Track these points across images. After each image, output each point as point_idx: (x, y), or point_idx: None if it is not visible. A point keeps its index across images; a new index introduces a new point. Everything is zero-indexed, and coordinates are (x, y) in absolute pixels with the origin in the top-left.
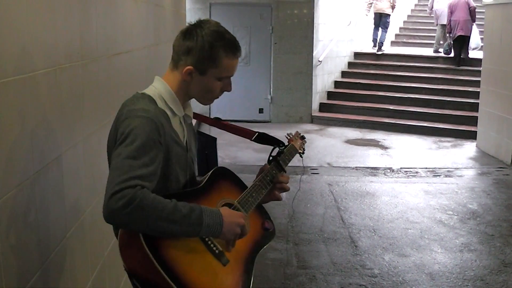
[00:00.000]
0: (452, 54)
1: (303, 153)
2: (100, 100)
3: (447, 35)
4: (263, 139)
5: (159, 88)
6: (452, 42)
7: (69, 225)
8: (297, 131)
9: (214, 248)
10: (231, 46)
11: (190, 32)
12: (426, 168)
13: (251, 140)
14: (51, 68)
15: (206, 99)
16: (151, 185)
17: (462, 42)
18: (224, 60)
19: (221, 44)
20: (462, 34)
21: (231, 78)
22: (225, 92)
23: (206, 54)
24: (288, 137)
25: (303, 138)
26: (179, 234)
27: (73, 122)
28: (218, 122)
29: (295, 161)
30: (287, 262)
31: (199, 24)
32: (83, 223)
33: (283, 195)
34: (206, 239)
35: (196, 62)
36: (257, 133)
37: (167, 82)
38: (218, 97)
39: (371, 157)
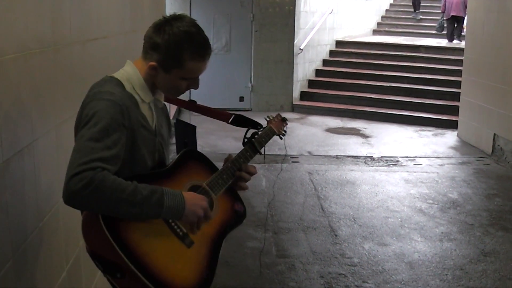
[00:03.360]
0: (444, 32)
1: (283, 135)
2: (74, 87)
3: (442, 14)
4: (240, 121)
5: (129, 72)
6: (445, 20)
7: (43, 213)
8: (278, 113)
9: (178, 230)
10: (199, 49)
11: (160, 27)
12: (407, 157)
13: (228, 123)
14: (21, 53)
15: (171, 94)
16: (113, 168)
17: (455, 22)
18: (190, 63)
19: (188, 46)
20: (455, 14)
21: (207, 70)
22: (205, 80)
23: (171, 54)
24: (268, 119)
25: (284, 120)
26: (140, 216)
27: (46, 109)
28: (193, 105)
29: (276, 149)
30: (266, 251)
31: (171, 20)
32: (57, 212)
33: (263, 183)
34: (170, 221)
35: (161, 60)
36: (233, 116)
37: (137, 68)
38: (184, 93)
39: (351, 145)
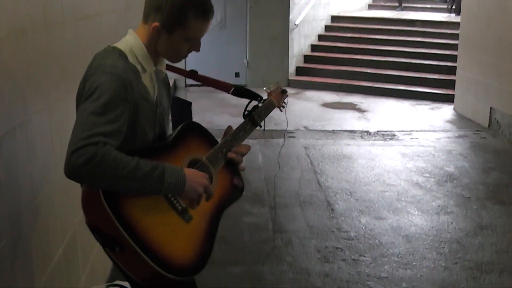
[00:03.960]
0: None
1: (283, 107)
2: (68, 65)
3: None
4: (241, 92)
5: (131, 42)
6: None
7: (37, 191)
8: (278, 85)
9: (177, 205)
10: (203, 8)
11: None
12: (403, 131)
13: (229, 93)
14: (13, 32)
15: (173, 58)
16: (114, 143)
17: None
18: (193, 23)
19: (192, 5)
20: None
21: (204, 37)
22: (201, 56)
23: (175, 14)
24: (268, 91)
25: (284, 92)
26: (141, 192)
27: (40, 88)
28: (194, 75)
29: (273, 125)
30: (263, 226)
31: None
32: (53, 189)
33: (259, 159)
34: (169, 196)
35: (164, 21)
36: (234, 87)
37: (139, 36)
38: (186, 57)
39: (348, 120)
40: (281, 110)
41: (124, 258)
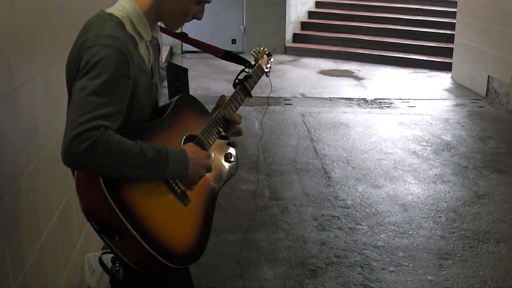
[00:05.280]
0: None
1: (269, 72)
2: (62, 28)
3: None
4: (230, 57)
5: (128, 8)
6: None
7: (32, 157)
8: (263, 47)
9: (176, 188)
10: None
11: None
12: (401, 99)
13: (217, 56)
14: None
15: (176, 23)
16: (116, 125)
17: None
18: None
19: None
20: None
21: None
22: (197, 23)
23: None
24: (255, 55)
25: (269, 55)
26: (143, 178)
27: (31, 53)
28: (184, 37)
29: (269, 91)
30: (259, 193)
31: None
32: (47, 156)
33: (255, 126)
34: (169, 179)
35: None
36: (223, 51)
37: (135, 1)
38: (188, 21)
39: (345, 88)
40: (267, 75)
41: (123, 246)
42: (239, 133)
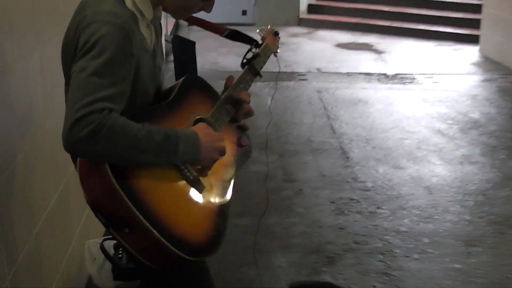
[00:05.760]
0: None
1: (277, 52)
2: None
3: None
4: (235, 36)
5: None
6: None
7: (24, 142)
8: (270, 26)
9: (189, 174)
10: None
11: None
12: (424, 74)
13: (222, 36)
14: None
15: (179, 15)
16: (120, 107)
17: None
18: None
19: None
20: None
21: None
22: None
23: None
24: (261, 34)
25: (276, 34)
26: (151, 163)
27: (24, 28)
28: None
29: (283, 66)
30: (272, 175)
31: None
32: (41, 140)
33: (267, 103)
34: (179, 164)
35: None
36: (228, 30)
37: None
38: (194, 12)
39: (364, 62)
40: (275, 55)
41: (133, 239)
42: (249, 113)
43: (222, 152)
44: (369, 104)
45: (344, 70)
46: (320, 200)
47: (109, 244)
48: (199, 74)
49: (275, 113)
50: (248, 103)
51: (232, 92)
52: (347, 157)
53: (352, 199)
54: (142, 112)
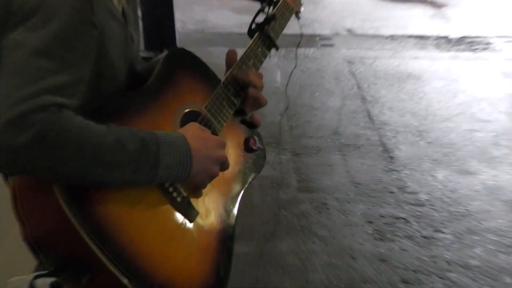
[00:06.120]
0: None
1: (300, 11)
2: None
3: None
4: None
5: None
6: None
7: None
8: None
9: (175, 195)
10: None
11: None
12: (504, 37)
13: None
14: None
15: None
16: (74, 101)
17: None
18: None
19: None
20: None
21: None
22: None
23: None
24: None
25: None
26: (122, 183)
27: None
28: None
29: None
30: (283, 181)
31: None
32: None
33: (277, 79)
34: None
35: None
36: None
37: None
38: None
39: (416, 20)
40: (298, 17)
41: None
42: (260, 102)
43: (223, 164)
44: (422, 81)
45: (386, 32)
46: (352, 219)
47: (44, 283)
48: (179, 37)
49: (288, 93)
50: (260, 88)
51: (237, 72)
52: (391, 157)
53: (398, 218)
54: (107, 106)
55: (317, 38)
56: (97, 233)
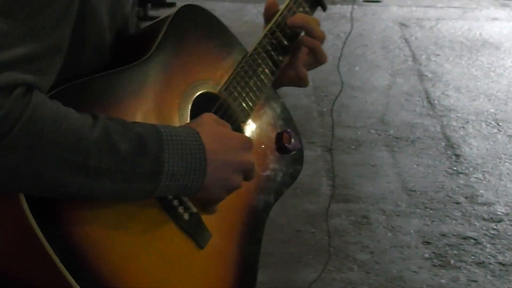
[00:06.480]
0: None
1: None
2: None
3: None
4: None
5: None
6: None
7: None
8: None
9: (182, 211)
10: None
11: None
12: None
13: None
14: None
15: None
16: (47, 80)
17: None
18: None
19: None
20: None
21: None
22: None
23: None
24: None
25: None
26: (108, 196)
27: None
28: None
29: None
30: (311, 186)
31: None
32: None
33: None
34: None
35: None
36: None
37: None
38: None
39: None
40: None
41: None
42: (317, 58)
43: (248, 172)
44: (503, 51)
45: None
46: (403, 239)
47: None
48: None
49: (318, 68)
50: (319, 37)
51: (272, 35)
52: (457, 156)
53: (465, 238)
54: (91, 85)
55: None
56: (74, 262)
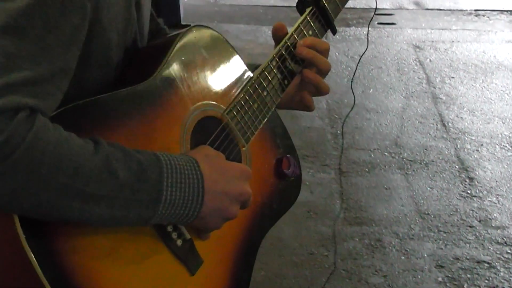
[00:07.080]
0: None
1: None
2: None
3: None
4: None
5: None
6: None
7: None
8: None
9: (175, 237)
10: None
11: None
12: None
13: None
14: None
15: None
16: (52, 103)
17: None
18: None
19: None
20: None
21: None
22: None
23: None
24: None
25: None
26: (104, 223)
27: None
28: None
29: None
30: (323, 210)
31: None
32: None
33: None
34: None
35: None
36: None
37: None
38: None
39: None
40: None
41: None
42: (319, 90)
43: (244, 202)
44: None
45: (467, 5)
46: (417, 262)
47: None
48: (184, 9)
49: (332, 90)
50: (322, 70)
51: (279, 58)
52: (471, 179)
53: (479, 262)
54: (94, 107)
55: (373, 15)
56: (62, 283)
